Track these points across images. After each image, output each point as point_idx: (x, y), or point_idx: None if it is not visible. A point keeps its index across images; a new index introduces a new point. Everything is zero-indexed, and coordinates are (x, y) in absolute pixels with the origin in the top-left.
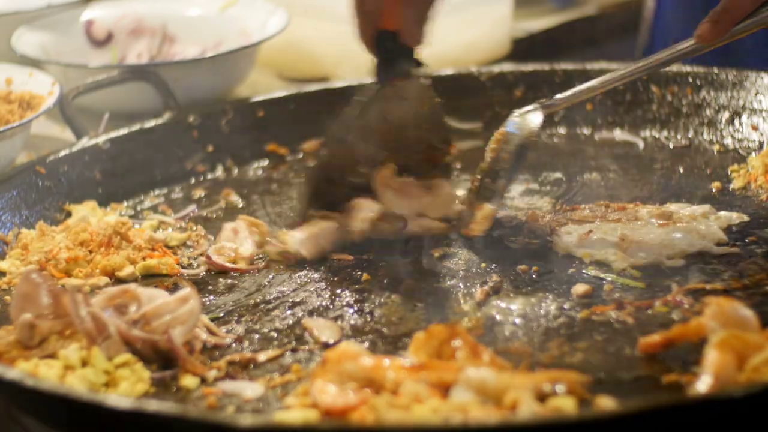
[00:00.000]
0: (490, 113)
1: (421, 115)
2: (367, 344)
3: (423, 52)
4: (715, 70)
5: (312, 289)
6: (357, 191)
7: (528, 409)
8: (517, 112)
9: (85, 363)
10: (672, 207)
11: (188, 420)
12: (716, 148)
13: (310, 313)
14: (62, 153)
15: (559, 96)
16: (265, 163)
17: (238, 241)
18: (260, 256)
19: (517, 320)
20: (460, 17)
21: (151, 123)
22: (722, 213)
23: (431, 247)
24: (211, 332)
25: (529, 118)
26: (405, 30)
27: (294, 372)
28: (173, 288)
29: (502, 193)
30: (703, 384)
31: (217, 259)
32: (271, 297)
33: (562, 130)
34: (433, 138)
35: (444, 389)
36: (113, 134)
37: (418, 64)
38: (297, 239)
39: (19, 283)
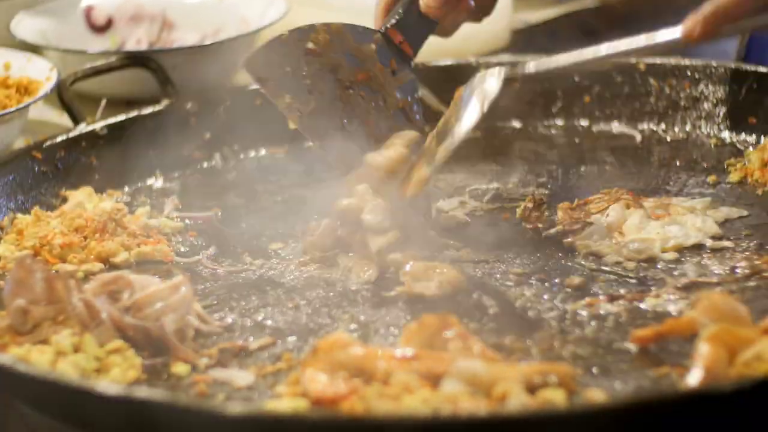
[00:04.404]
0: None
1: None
2: (358, 333)
3: None
4: (714, 63)
5: (306, 276)
6: None
7: (518, 401)
8: (480, 73)
9: (77, 349)
10: (672, 200)
11: (177, 407)
12: (713, 141)
13: (306, 302)
14: (59, 138)
15: (529, 64)
16: (263, 152)
17: None
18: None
19: (509, 311)
20: None
21: (148, 110)
22: (722, 208)
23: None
24: (202, 320)
25: (489, 80)
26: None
27: (285, 360)
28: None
29: (441, 159)
30: (693, 378)
31: None
32: (266, 285)
33: (559, 122)
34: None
35: (435, 380)
36: (111, 120)
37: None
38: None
39: (13, 269)
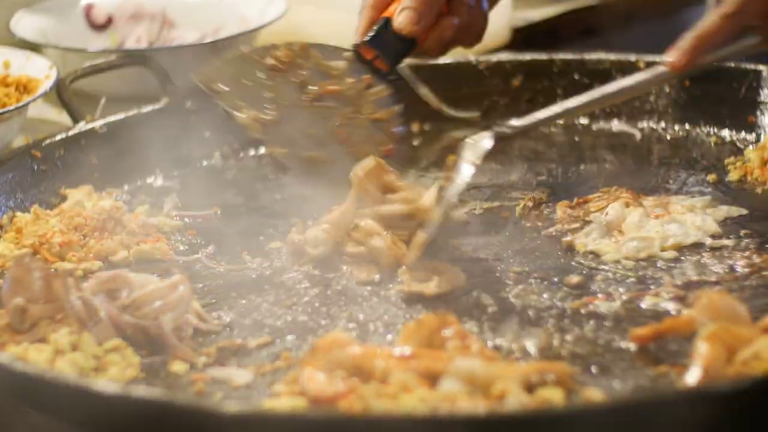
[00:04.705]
0: (488, 102)
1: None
2: (356, 332)
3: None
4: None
5: (305, 275)
6: None
7: (516, 400)
8: (467, 139)
9: (75, 347)
10: (672, 198)
11: (174, 406)
12: (713, 140)
13: (304, 300)
14: (59, 137)
15: (514, 121)
16: (262, 150)
17: None
18: None
19: (508, 310)
20: None
21: (148, 108)
22: (722, 206)
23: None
24: (201, 318)
25: (480, 140)
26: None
27: (283, 359)
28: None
29: (435, 221)
30: (692, 376)
31: None
32: (265, 283)
33: (558, 120)
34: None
35: (433, 379)
36: (110, 119)
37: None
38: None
39: (11, 267)
